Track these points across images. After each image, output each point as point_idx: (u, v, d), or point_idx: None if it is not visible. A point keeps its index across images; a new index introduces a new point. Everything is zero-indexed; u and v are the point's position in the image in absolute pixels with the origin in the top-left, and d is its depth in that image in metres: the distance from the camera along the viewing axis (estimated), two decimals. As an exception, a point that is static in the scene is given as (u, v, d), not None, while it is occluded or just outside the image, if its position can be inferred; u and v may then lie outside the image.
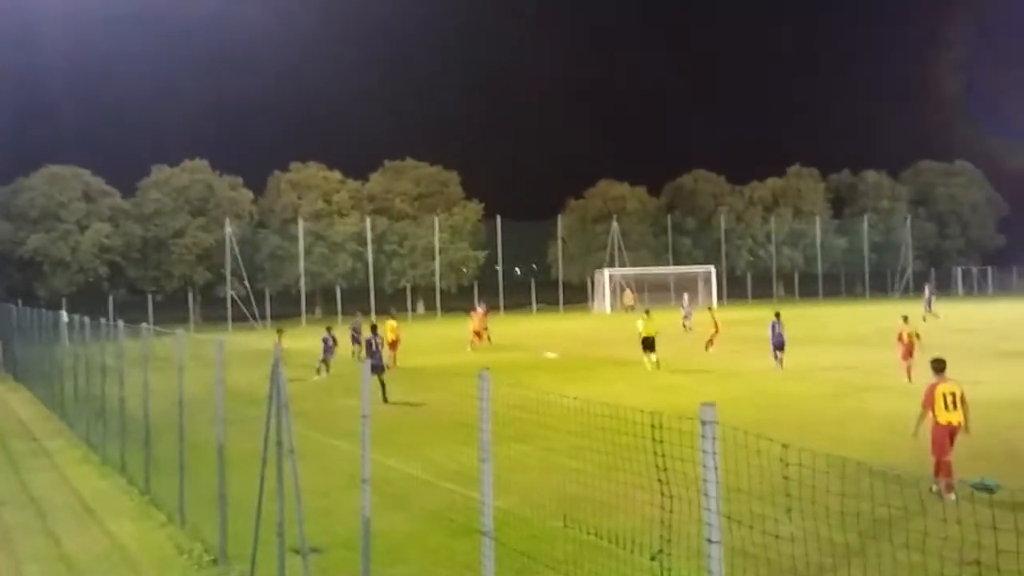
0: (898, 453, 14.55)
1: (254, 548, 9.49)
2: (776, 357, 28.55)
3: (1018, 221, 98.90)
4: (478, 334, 39.58)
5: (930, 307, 47.64)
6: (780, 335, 28.71)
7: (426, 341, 44.83)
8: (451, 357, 34.21)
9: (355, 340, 33.88)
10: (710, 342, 33.81)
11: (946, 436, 12.61)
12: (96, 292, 65.55)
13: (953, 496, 11.47)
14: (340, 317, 66.11)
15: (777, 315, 29.62)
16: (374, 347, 24.97)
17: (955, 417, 12.60)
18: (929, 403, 12.87)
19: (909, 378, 23.32)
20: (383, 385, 22.54)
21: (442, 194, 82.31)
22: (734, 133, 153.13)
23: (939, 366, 13.44)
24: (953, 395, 12.73)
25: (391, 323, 32.26)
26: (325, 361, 29.39)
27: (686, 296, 54.41)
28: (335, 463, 14.14)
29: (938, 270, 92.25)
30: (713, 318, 34.34)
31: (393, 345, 30.95)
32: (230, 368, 12.05)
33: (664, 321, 36.08)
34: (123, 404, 16.50)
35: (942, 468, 12.38)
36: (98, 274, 67.01)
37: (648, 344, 29.10)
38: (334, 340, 30.25)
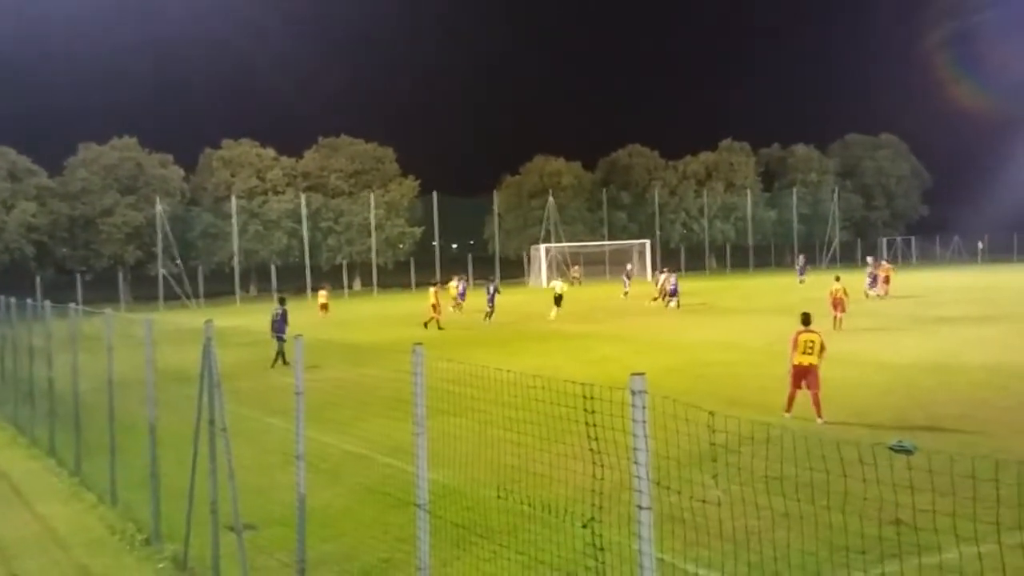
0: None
1: (188, 527, 9.44)
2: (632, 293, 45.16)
3: (942, 192, 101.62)
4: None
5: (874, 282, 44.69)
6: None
7: (365, 316, 44.68)
8: (394, 332, 34.11)
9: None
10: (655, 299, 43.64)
11: (798, 374, 15.37)
12: (23, 272, 63.81)
13: (788, 415, 15.16)
14: (275, 295, 65.32)
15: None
16: (277, 318, 26.72)
17: (806, 359, 15.27)
18: (793, 346, 15.50)
19: (835, 326, 28.72)
20: (283, 355, 24.70)
21: (378, 170, 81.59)
22: (668, 108, 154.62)
23: (805, 319, 15.92)
24: (812, 343, 15.34)
25: (432, 290, 37.06)
26: (490, 309, 38.30)
27: (629, 266, 61.43)
28: (270, 441, 14.06)
29: (864, 241, 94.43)
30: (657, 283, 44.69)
31: (435, 308, 36.20)
32: (163, 347, 11.89)
33: (601, 292, 38.31)
34: (51, 385, 16.20)
35: (790, 397, 15.47)
36: (24, 254, 65.18)
37: (558, 300, 38.48)
38: (496, 290, 39.78)
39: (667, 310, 40.78)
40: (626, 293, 51.89)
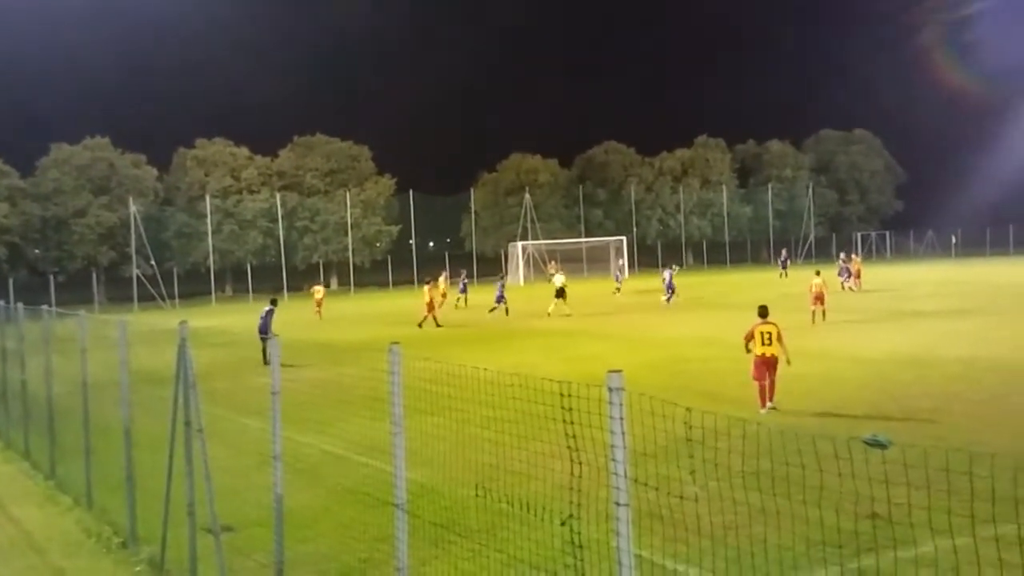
0: (798, 413, 15.07)
1: (164, 529, 9.37)
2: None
3: (915, 187, 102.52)
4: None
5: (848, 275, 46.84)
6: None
7: (342, 315, 44.54)
8: (372, 331, 34.03)
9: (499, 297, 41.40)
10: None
11: (762, 365, 15.56)
12: (-7, 274, 63.24)
13: (764, 410, 15.22)
14: (252, 295, 65.14)
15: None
16: (263, 316, 26.88)
17: (767, 350, 15.51)
18: (749, 338, 15.84)
19: (813, 320, 29.45)
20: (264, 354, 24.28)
21: (353, 169, 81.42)
22: (643, 105, 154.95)
23: (762, 311, 16.18)
24: (769, 334, 15.58)
25: (425, 288, 37.81)
26: (500, 302, 40.54)
27: (623, 262, 64.68)
28: (246, 441, 13.97)
29: (839, 235, 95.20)
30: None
31: (429, 307, 36.39)
32: (138, 349, 11.79)
33: (582, 290, 38.39)
34: (25, 388, 16.04)
35: (760, 391, 15.58)
36: (-5, 255, 64.61)
37: (560, 293, 38.55)
38: (503, 287, 42.08)
39: (661, 306, 41.24)
40: (618, 289, 52.02)
